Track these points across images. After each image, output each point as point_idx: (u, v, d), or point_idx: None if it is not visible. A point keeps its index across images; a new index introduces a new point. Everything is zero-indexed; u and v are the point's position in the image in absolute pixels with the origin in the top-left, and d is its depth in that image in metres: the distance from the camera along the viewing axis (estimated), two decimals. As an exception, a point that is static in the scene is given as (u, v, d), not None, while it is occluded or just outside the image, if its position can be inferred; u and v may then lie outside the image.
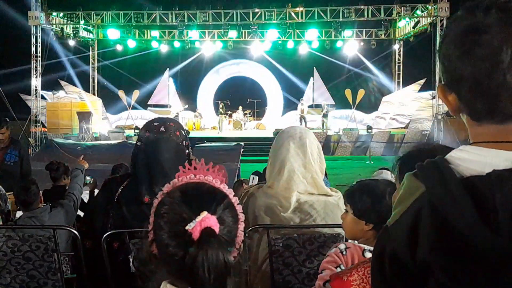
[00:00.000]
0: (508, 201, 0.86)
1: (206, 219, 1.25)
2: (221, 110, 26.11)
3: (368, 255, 2.10)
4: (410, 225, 0.96)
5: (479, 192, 0.89)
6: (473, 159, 0.96)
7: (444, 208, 0.90)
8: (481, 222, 0.86)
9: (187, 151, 2.65)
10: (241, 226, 1.40)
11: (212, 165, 1.44)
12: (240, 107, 27.33)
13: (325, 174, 6.30)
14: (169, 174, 2.50)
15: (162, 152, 2.52)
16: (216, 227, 1.26)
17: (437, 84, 22.34)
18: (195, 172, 1.41)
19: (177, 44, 26.92)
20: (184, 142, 2.62)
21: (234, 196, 1.41)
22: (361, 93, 25.74)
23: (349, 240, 2.40)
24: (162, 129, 2.58)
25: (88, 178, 6.22)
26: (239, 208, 1.39)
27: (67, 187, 6.18)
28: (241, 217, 1.39)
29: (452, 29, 1.02)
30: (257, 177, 6.24)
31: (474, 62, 0.96)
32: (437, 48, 1.07)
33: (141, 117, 27.45)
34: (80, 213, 5.11)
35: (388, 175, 5.62)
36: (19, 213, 4.73)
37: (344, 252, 2.17)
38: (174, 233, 1.27)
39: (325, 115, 24.79)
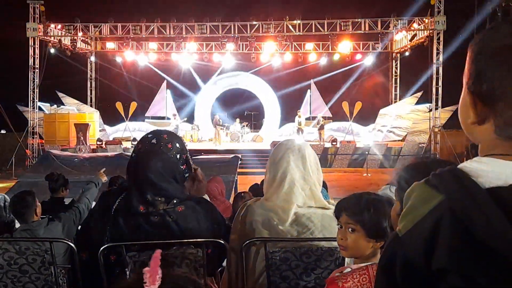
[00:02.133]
0: None
1: None
2: (218, 121, 26.14)
3: None
4: (428, 233, 0.95)
5: (506, 202, 0.89)
6: (492, 170, 0.95)
7: (468, 218, 0.90)
8: (509, 231, 0.86)
9: (182, 163, 2.63)
10: None
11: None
12: (238, 119, 27.34)
13: (326, 187, 6.31)
14: (158, 185, 2.50)
15: (149, 163, 2.52)
16: None
17: (434, 96, 22.51)
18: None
19: (174, 56, 27.01)
20: (177, 154, 2.60)
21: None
22: (358, 105, 25.81)
23: (347, 259, 2.37)
24: (154, 141, 2.59)
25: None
26: None
27: (64, 200, 6.19)
28: None
29: (494, 40, 0.99)
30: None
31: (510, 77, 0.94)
32: (471, 55, 1.03)
33: (138, 129, 27.48)
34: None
35: (387, 190, 5.62)
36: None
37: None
38: None
39: (321, 128, 24.82)
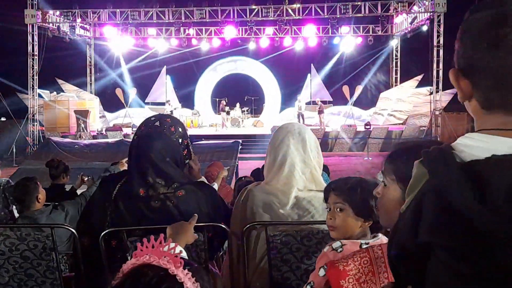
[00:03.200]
0: (504, 182, 0.88)
1: None
2: (224, 107, 26.15)
3: (365, 247, 2.08)
4: (413, 209, 0.99)
5: (477, 174, 0.91)
6: (477, 145, 0.98)
7: (445, 191, 0.92)
8: (479, 202, 0.88)
9: (183, 148, 2.64)
10: None
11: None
12: (238, 104, 27.31)
13: (328, 171, 6.31)
14: (159, 165, 2.50)
15: (152, 144, 2.52)
16: None
17: (434, 79, 22.46)
18: (152, 251, 1.24)
19: (174, 41, 26.90)
20: (179, 139, 2.61)
21: (196, 281, 1.23)
22: (358, 89, 25.74)
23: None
24: (157, 123, 2.59)
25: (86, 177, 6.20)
26: None
27: (65, 186, 6.21)
28: None
29: (477, 18, 1.01)
30: None
31: (501, 55, 0.96)
32: (458, 35, 1.06)
33: (138, 115, 27.45)
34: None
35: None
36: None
37: (339, 250, 2.11)
38: None
39: (320, 112, 24.77)
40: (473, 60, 1.01)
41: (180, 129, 2.64)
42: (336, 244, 2.14)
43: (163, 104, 27.58)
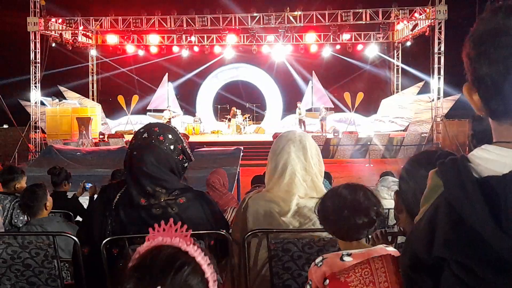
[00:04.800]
0: None
1: None
2: (236, 115, 26.29)
3: (347, 258, 2.09)
4: (428, 221, 0.99)
5: (493, 192, 0.90)
6: (493, 159, 0.97)
7: (459, 206, 0.92)
8: (493, 221, 0.87)
9: (177, 153, 2.62)
10: (211, 286, 1.32)
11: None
12: (239, 111, 27.34)
13: (330, 179, 6.31)
14: (155, 176, 2.50)
15: (143, 158, 2.52)
16: None
17: (436, 86, 22.46)
18: (164, 234, 1.36)
19: (176, 49, 26.97)
20: (170, 146, 2.59)
21: (205, 255, 1.34)
22: (360, 96, 25.75)
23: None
24: (145, 135, 2.59)
25: (88, 184, 6.22)
26: (209, 270, 1.32)
27: (67, 193, 6.21)
28: (211, 279, 1.32)
29: (475, 29, 1.03)
30: None
31: (490, 63, 0.97)
32: (467, 44, 1.07)
33: (140, 122, 27.43)
34: (80, 219, 5.09)
35: (388, 180, 5.63)
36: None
37: (319, 265, 2.13)
38: None
39: (323, 119, 24.76)
40: (472, 70, 1.02)
41: (170, 136, 2.61)
42: (318, 259, 2.15)
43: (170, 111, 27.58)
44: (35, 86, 23.96)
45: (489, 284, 0.88)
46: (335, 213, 2.14)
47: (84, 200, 6.74)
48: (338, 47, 26.34)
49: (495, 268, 0.87)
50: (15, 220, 4.90)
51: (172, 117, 25.81)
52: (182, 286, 1.24)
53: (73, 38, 25.01)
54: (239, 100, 28.77)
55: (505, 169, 0.93)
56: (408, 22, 24.58)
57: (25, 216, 4.76)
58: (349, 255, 2.10)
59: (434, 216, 0.97)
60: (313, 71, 28.40)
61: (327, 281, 1.92)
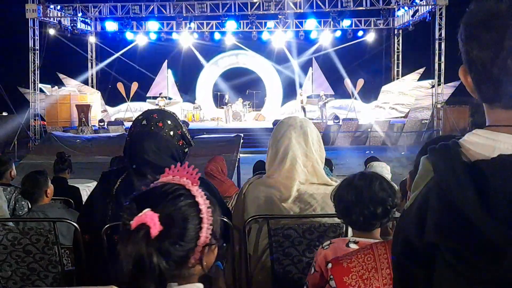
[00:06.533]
0: (507, 186, 0.88)
1: (143, 216, 1.24)
2: (226, 101, 26.11)
3: (352, 245, 2.11)
4: (419, 207, 0.99)
5: (483, 176, 0.90)
6: (483, 143, 0.98)
7: (449, 191, 0.92)
8: (481, 206, 0.87)
9: (177, 139, 2.61)
10: (205, 228, 1.33)
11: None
12: (240, 98, 27.29)
13: (331, 165, 6.31)
14: (156, 164, 2.48)
15: (144, 145, 2.50)
16: (154, 224, 1.23)
17: (436, 72, 22.42)
18: (175, 173, 1.44)
19: (175, 35, 26.87)
20: (170, 132, 2.57)
21: (207, 199, 1.38)
22: (360, 82, 25.68)
23: (349, 232, 2.41)
24: (144, 122, 2.56)
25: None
26: (206, 211, 1.35)
27: (68, 180, 6.26)
28: (206, 220, 1.34)
29: (469, 11, 1.03)
30: None
31: (480, 46, 0.98)
32: (461, 30, 1.08)
33: (140, 109, 27.33)
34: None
35: (378, 167, 5.62)
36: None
37: (325, 248, 2.18)
38: (122, 229, 1.30)
39: (323, 105, 24.71)
40: (465, 53, 1.03)
41: (169, 122, 2.59)
42: (326, 242, 2.20)
43: (165, 98, 27.54)
44: (34, 73, 23.88)
45: (480, 270, 0.89)
46: (351, 204, 2.16)
47: (85, 188, 6.78)
48: (338, 33, 26.20)
49: (486, 253, 0.87)
50: (20, 212, 4.91)
51: (167, 104, 25.75)
52: (174, 213, 1.29)
53: (71, 25, 24.87)
54: (239, 87, 28.68)
55: (494, 153, 0.94)
56: (408, 8, 24.44)
57: (27, 204, 4.77)
58: (355, 242, 2.11)
59: (425, 201, 0.97)
60: (313, 58, 28.29)
61: (330, 264, 1.93)
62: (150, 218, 1.24)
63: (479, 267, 0.88)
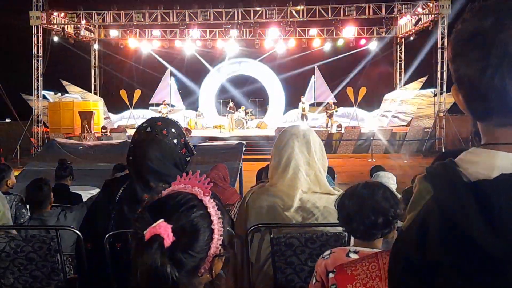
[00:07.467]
0: (511, 206, 0.87)
1: (157, 227, 1.26)
2: (231, 110, 26.05)
3: (353, 255, 2.11)
4: (419, 227, 0.98)
5: (485, 196, 0.89)
6: (480, 162, 0.97)
7: (451, 212, 0.91)
8: (486, 226, 0.87)
9: (180, 147, 2.60)
10: (216, 239, 1.36)
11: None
12: (242, 106, 27.32)
13: (333, 174, 6.30)
14: (160, 171, 2.48)
15: (148, 152, 2.49)
16: (167, 236, 1.25)
17: (439, 81, 22.44)
18: (187, 182, 1.45)
19: (178, 43, 26.95)
20: (173, 140, 2.56)
21: (218, 210, 1.41)
22: (362, 91, 25.69)
23: (352, 241, 2.40)
24: (149, 129, 2.55)
25: None
26: (218, 222, 1.38)
27: (69, 187, 6.26)
28: (217, 231, 1.37)
29: (456, 29, 1.04)
30: None
31: (467, 64, 0.98)
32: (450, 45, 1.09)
33: (143, 117, 27.40)
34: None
35: (384, 177, 5.61)
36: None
37: (326, 257, 2.18)
38: (135, 238, 1.31)
39: (331, 115, 24.55)
40: (454, 71, 1.04)
41: (173, 130, 2.58)
42: (326, 252, 2.21)
43: (167, 105, 27.60)
44: (38, 80, 23.96)
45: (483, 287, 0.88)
46: (352, 212, 2.16)
47: (87, 194, 6.77)
48: (341, 41, 26.25)
49: (490, 272, 0.87)
50: (21, 220, 4.91)
51: (170, 111, 25.75)
52: (187, 224, 1.31)
53: (75, 32, 24.97)
54: (241, 94, 28.74)
55: (494, 171, 0.93)
56: (411, 17, 24.50)
57: (28, 212, 4.78)
58: (356, 252, 2.11)
59: (425, 222, 0.96)
60: (316, 66, 28.34)
61: (331, 274, 1.93)
62: (164, 229, 1.26)
63: (484, 285, 0.88)
